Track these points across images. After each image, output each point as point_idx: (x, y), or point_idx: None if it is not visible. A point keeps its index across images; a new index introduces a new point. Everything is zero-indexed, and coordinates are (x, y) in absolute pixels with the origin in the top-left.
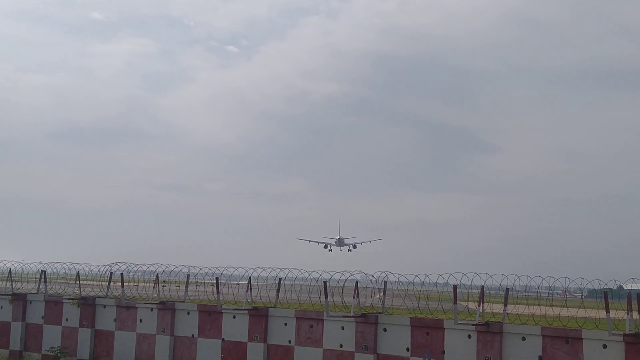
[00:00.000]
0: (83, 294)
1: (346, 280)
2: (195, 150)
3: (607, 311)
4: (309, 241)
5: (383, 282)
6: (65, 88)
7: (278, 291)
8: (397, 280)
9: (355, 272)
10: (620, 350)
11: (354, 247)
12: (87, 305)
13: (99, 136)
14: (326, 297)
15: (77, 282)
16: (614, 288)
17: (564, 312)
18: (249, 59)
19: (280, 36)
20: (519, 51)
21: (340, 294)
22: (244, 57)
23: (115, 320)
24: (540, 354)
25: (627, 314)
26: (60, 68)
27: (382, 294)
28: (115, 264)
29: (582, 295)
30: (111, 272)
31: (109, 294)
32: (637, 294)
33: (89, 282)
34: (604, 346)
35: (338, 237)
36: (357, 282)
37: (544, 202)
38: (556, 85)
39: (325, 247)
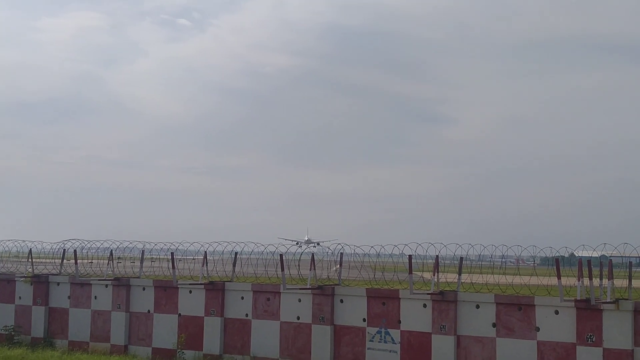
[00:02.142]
0: (36, 271)
1: (302, 252)
2: (147, 125)
3: (559, 278)
4: (285, 239)
5: (339, 254)
6: (14, 63)
7: (234, 265)
8: (353, 252)
9: (312, 245)
10: (572, 315)
11: (318, 244)
12: (40, 283)
13: (49, 112)
14: (282, 270)
15: (30, 260)
16: (566, 255)
17: (516, 279)
18: (201, 32)
19: (232, 9)
20: (471, 23)
21: (297, 267)
22: (195, 30)
23: (69, 297)
24: (494, 321)
25: (578, 280)
26: (7, 43)
27: (338, 266)
28: (69, 240)
29: (534, 263)
30: (64, 249)
31: (62, 271)
32: (588, 261)
33: (41, 260)
34: (556, 312)
35: (307, 238)
36: (313, 255)
37: (495, 172)
38: (511, 57)
39: (297, 244)
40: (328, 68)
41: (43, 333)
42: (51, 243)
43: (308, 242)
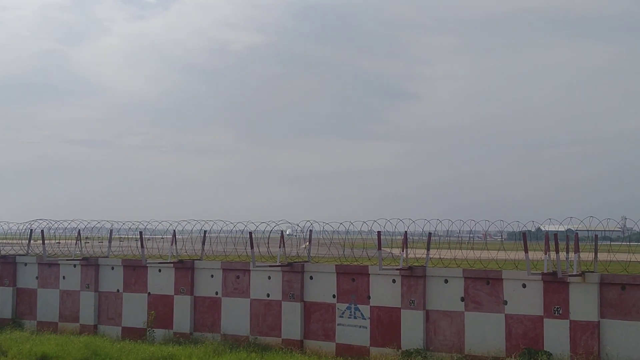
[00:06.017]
0: (2, 252)
1: (272, 230)
2: (113, 104)
3: (526, 252)
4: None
5: (308, 232)
6: None
7: (203, 243)
8: (322, 229)
9: (281, 222)
10: (539, 288)
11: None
12: (7, 263)
13: (13, 91)
14: (252, 247)
15: None
16: (533, 230)
17: (484, 254)
18: (167, 8)
19: None
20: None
21: (266, 244)
22: (160, 7)
23: (37, 277)
24: (463, 295)
25: (545, 254)
26: None
27: (307, 243)
28: (35, 221)
29: (501, 237)
30: (31, 230)
31: (29, 251)
32: (554, 234)
33: (8, 241)
34: (524, 285)
35: (288, 232)
36: (282, 232)
37: (464, 149)
38: (478, 32)
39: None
40: (298, 47)
41: (11, 314)
42: (17, 223)
43: (290, 235)
